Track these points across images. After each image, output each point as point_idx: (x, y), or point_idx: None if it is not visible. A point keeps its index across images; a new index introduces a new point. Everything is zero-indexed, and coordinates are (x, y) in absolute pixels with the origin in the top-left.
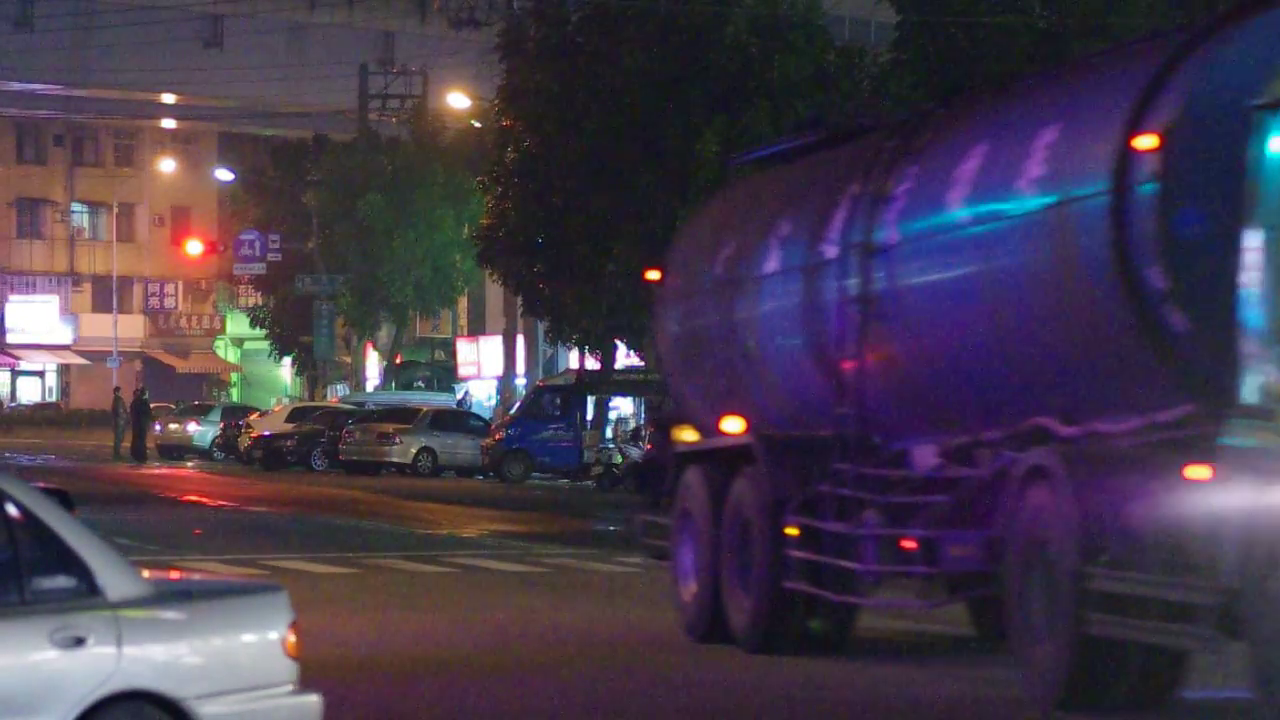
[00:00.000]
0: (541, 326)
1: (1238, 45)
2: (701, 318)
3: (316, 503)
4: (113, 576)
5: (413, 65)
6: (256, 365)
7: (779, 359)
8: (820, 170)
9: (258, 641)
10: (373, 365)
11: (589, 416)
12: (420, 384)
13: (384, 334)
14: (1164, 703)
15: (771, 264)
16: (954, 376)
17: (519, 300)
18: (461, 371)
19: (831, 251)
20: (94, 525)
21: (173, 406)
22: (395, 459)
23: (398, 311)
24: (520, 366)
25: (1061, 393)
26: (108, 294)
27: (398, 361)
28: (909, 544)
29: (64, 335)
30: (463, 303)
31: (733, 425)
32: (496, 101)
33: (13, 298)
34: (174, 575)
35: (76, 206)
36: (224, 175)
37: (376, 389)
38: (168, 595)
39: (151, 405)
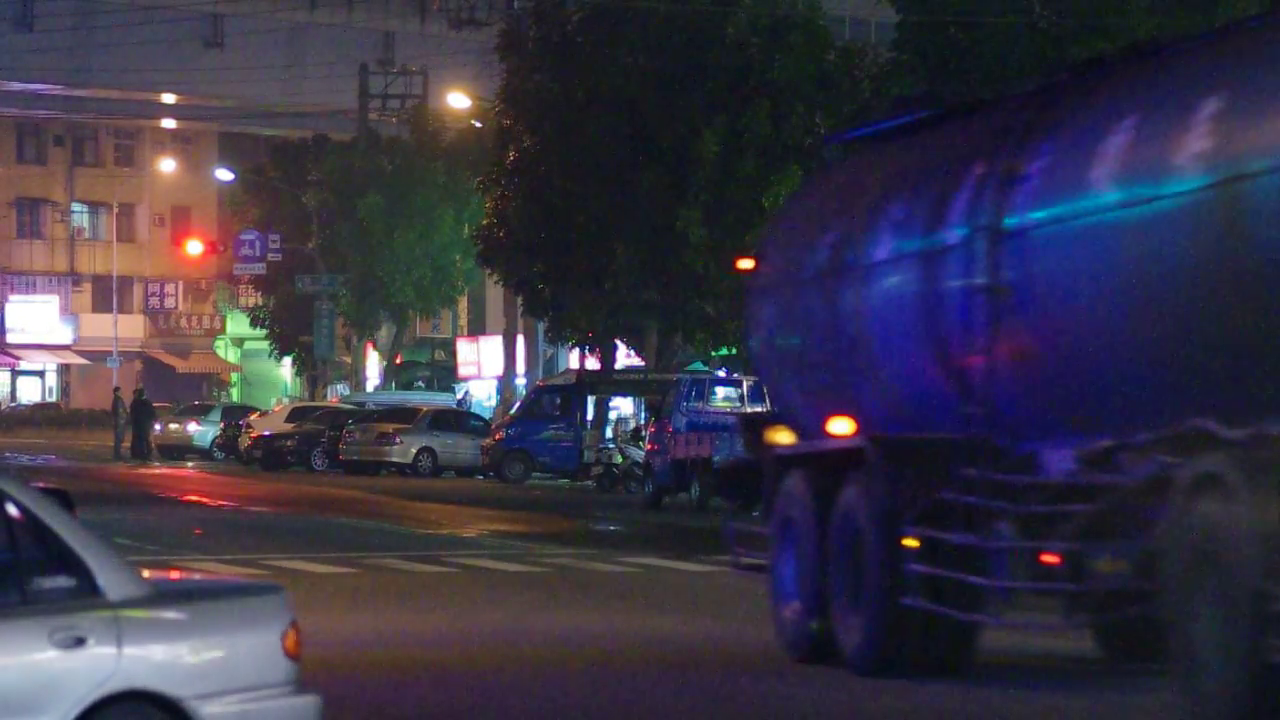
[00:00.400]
0: (541, 326)
1: None
2: (802, 309)
3: (316, 503)
4: (113, 576)
5: (413, 65)
6: (256, 365)
7: (892, 353)
8: (936, 148)
9: (258, 641)
10: (373, 365)
11: (589, 416)
12: (420, 384)
13: (384, 334)
14: None
15: (883, 250)
16: (1097, 373)
17: (519, 300)
18: (461, 371)
19: (954, 237)
20: (94, 525)
21: (169, 406)
22: (395, 459)
23: (398, 311)
24: (520, 366)
25: (1223, 391)
26: (108, 294)
27: (398, 361)
28: (1051, 558)
29: (64, 335)
30: (463, 303)
31: (841, 426)
32: (496, 101)
33: (13, 298)
34: (174, 575)
35: (77, 206)
36: (224, 175)
37: (376, 389)
38: (168, 595)
39: (153, 405)
